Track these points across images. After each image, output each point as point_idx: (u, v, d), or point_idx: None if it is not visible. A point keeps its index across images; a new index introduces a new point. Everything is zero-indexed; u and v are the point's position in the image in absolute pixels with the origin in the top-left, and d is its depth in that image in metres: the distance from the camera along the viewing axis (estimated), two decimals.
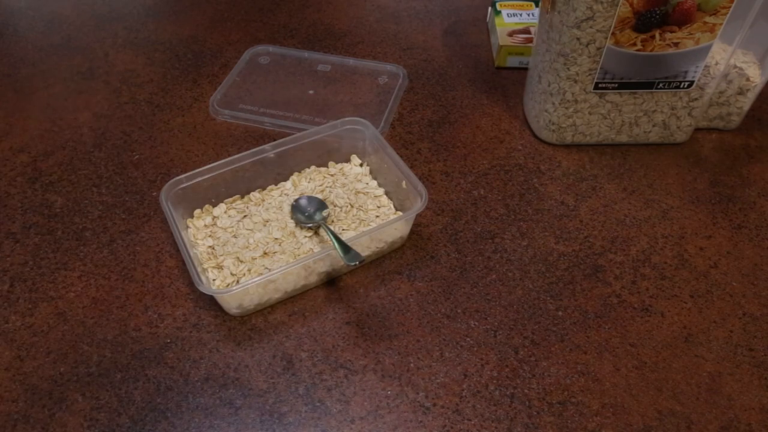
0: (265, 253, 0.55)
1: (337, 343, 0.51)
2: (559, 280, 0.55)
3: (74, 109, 0.74)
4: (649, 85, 0.62)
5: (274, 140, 0.61)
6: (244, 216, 0.59)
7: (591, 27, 0.57)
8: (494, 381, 0.48)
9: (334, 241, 0.51)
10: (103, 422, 0.47)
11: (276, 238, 0.57)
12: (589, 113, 0.64)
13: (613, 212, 0.61)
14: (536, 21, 0.76)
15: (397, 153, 0.59)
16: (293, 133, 0.61)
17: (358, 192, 0.61)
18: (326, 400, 0.48)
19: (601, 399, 0.47)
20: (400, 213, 0.59)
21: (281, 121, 0.71)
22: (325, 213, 0.58)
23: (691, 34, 0.58)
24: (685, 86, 0.62)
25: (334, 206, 0.60)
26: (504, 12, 0.82)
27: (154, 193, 0.64)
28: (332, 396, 0.48)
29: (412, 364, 0.50)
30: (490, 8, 0.85)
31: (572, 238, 0.59)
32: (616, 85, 0.61)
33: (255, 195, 0.61)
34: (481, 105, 0.74)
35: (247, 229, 0.58)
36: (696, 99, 0.63)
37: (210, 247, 0.56)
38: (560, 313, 0.53)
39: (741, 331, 0.52)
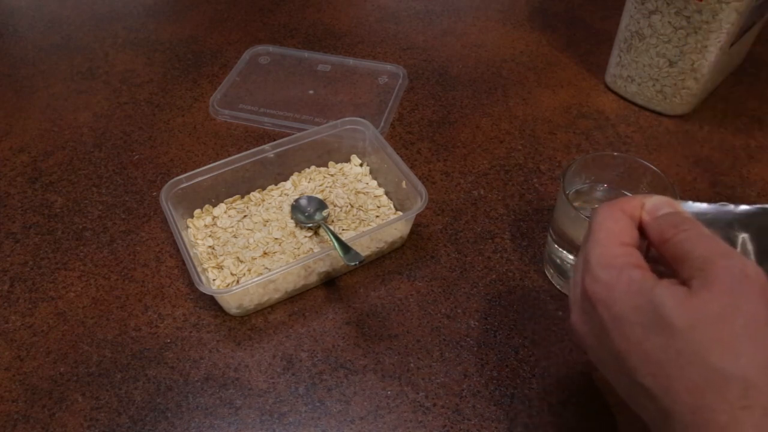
0: (265, 253, 0.55)
1: (337, 343, 0.51)
2: None
3: (74, 109, 0.74)
4: None
5: (274, 140, 0.61)
6: (244, 216, 0.59)
7: None
8: (494, 381, 0.48)
9: (334, 241, 0.51)
10: (103, 422, 0.47)
11: (276, 238, 0.57)
12: None
13: None
14: None
15: (397, 153, 0.59)
16: (293, 133, 0.61)
17: (358, 192, 0.61)
18: (326, 400, 0.48)
19: (601, 399, 0.47)
20: (400, 213, 0.59)
21: (281, 121, 0.71)
22: (325, 213, 0.58)
23: None
24: None
25: (334, 206, 0.60)
26: None
27: (154, 193, 0.64)
28: (332, 396, 0.48)
29: (412, 364, 0.50)
30: None
31: None
32: None
33: (255, 195, 0.61)
34: (481, 105, 0.74)
35: (247, 229, 0.58)
36: None
37: (210, 247, 0.56)
38: (560, 313, 0.53)
39: None
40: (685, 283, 0.32)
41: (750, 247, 0.36)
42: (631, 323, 0.32)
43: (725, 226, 0.36)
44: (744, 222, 0.36)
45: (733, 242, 0.36)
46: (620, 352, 0.33)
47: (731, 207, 0.36)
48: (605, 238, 0.35)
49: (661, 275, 0.33)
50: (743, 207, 0.36)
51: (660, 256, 0.35)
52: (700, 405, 0.29)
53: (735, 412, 0.28)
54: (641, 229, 0.36)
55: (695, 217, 0.36)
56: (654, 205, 0.36)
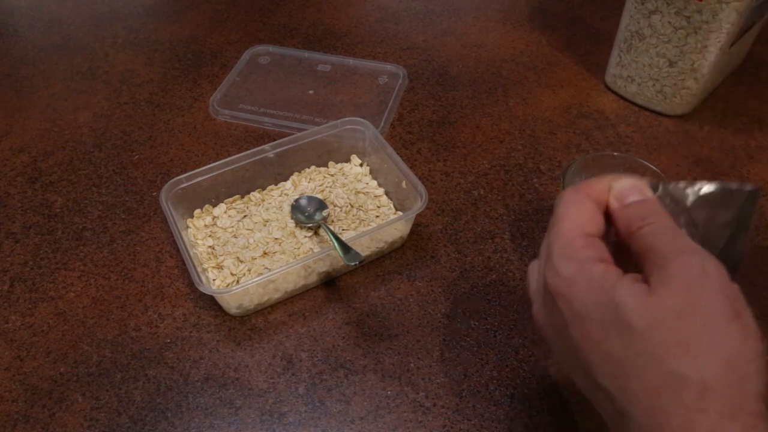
0: (265, 253, 0.55)
1: (337, 343, 0.51)
2: None
3: (74, 109, 0.74)
4: None
5: (274, 140, 0.61)
6: (244, 216, 0.59)
7: None
8: (494, 381, 0.48)
9: (334, 241, 0.51)
10: (103, 422, 0.47)
11: (276, 238, 0.57)
12: None
13: None
14: None
15: (397, 153, 0.59)
16: (293, 133, 0.61)
17: (358, 192, 0.61)
18: (326, 400, 0.48)
19: None
20: (400, 213, 0.59)
21: (281, 121, 0.71)
22: (325, 213, 0.58)
23: None
24: None
25: (334, 206, 0.60)
26: None
27: (154, 193, 0.64)
28: (332, 396, 0.48)
29: (412, 364, 0.50)
30: None
31: None
32: None
33: (255, 195, 0.61)
34: (481, 105, 0.74)
35: (247, 229, 0.58)
36: None
37: (210, 247, 0.56)
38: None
39: None
40: (647, 279, 0.31)
41: (721, 219, 0.35)
42: (591, 320, 0.31)
43: (690, 206, 0.35)
44: (708, 199, 0.35)
45: (695, 221, 0.35)
46: (580, 349, 0.32)
47: (697, 186, 0.35)
48: (568, 228, 0.33)
49: (626, 266, 0.32)
50: (706, 186, 0.35)
51: (627, 248, 0.33)
52: (655, 407, 0.29)
53: (690, 414, 0.28)
54: (608, 215, 0.34)
55: (665, 195, 0.34)
56: (622, 190, 0.34)
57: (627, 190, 0.34)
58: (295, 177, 0.63)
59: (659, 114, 0.72)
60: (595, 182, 0.35)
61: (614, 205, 0.34)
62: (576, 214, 0.34)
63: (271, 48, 0.82)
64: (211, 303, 0.54)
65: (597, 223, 0.34)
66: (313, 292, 0.55)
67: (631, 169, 0.52)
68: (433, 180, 0.64)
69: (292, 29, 0.86)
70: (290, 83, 0.77)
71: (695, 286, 0.29)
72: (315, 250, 0.56)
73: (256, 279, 0.49)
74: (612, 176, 0.35)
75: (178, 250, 0.57)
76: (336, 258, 0.53)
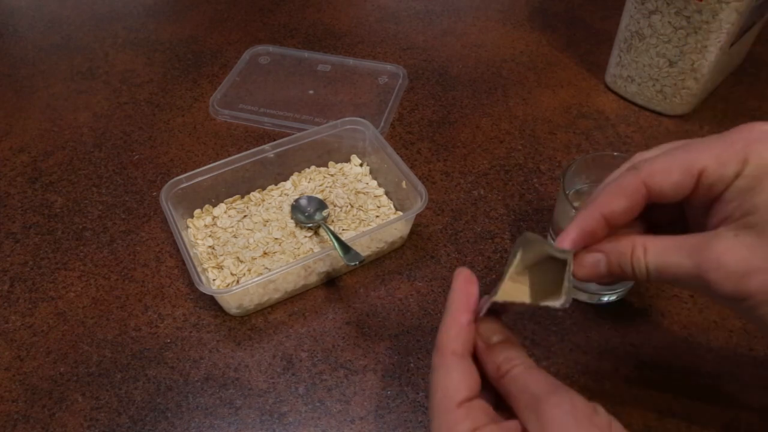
0: (265, 253, 0.55)
1: (337, 343, 0.51)
2: None
3: (74, 109, 0.74)
4: None
5: (274, 140, 0.61)
6: (244, 216, 0.59)
7: None
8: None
9: (334, 241, 0.51)
10: (103, 422, 0.47)
11: (276, 238, 0.57)
12: None
13: None
14: None
15: (397, 153, 0.59)
16: (293, 133, 0.61)
17: (358, 192, 0.61)
18: (326, 400, 0.48)
19: (601, 399, 0.47)
20: (400, 213, 0.59)
21: (281, 121, 0.71)
22: (325, 213, 0.58)
23: None
24: None
25: (334, 206, 0.60)
26: None
27: (154, 193, 0.64)
28: (332, 396, 0.48)
29: (412, 364, 0.50)
30: None
31: None
32: None
33: (255, 195, 0.61)
34: (481, 105, 0.74)
35: (247, 229, 0.58)
36: None
37: (210, 247, 0.56)
38: (560, 312, 0.53)
39: (741, 331, 0.52)
40: (524, 428, 0.31)
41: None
42: None
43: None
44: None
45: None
46: None
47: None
48: (441, 399, 0.33)
49: None
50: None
51: (497, 390, 0.34)
52: None
53: None
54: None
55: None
56: (485, 330, 0.35)
57: (489, 329, 0.35)
58: (295, 177, 0.63)
59: (659, 114, 0.72)
60: (453, 335, 0.34)
61: (481, 345, 0.35)
62: (447, 382, 0.33)
63: (271, 48, 0.82)
64: (211, 303, 0.54)
65: (470, 383, 0.33)
66: (313, 292, 0.55)
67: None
68: (433, 180, 0.64)
69: (292, 29, 0.86)
70: (290, 83, 0.77)
71: (570, 425, 0.30)
72: (315, 250, 0.56)
73: (256, 279, 0.49)
74: (461, 316, 0.35)
75: (178, 250, 0.57)
76: (336, 258, 0.53)
